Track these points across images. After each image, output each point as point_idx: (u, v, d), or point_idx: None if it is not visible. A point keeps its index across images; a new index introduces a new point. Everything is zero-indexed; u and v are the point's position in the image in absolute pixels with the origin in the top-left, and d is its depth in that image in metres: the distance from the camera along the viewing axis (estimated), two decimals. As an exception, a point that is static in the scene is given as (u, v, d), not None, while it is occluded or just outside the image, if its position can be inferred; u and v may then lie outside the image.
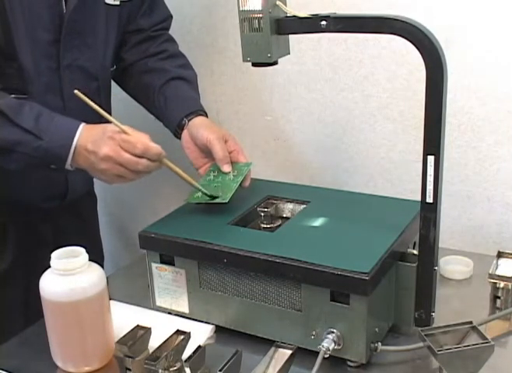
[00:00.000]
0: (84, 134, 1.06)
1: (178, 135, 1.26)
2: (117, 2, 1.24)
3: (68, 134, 1.06)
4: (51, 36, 1.14)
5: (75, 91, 1.06)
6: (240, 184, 1.16)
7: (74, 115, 1.21)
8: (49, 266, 0.96)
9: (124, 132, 1.05)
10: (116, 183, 1.10)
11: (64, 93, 1.18)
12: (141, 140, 1.04)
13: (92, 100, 1.23)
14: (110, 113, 1.33)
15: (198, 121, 1.24)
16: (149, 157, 1.05)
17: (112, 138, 1.04)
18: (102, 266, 1.49)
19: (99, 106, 1.08)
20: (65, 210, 1.35)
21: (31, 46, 1.11)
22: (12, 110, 1.05)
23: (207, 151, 1.20)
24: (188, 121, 1.25)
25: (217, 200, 1.12)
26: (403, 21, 0.88)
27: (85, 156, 1.06)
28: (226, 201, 1.11)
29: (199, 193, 1.15)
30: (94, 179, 1.47)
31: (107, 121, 1.18)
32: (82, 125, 1.07)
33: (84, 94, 1.07)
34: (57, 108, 1.18)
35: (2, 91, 1.10)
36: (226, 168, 1.17)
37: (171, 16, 1.40)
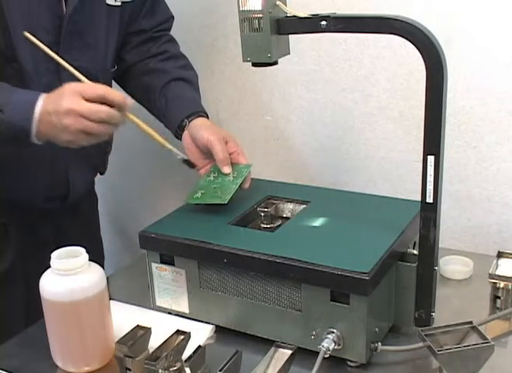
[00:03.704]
0: (45, 102, 1.02)
1: (179, 136, 1.26)
2: (119, 3, 1.24)
3: (29, 106, 1.02)
4: (51, 37, 1.13)
5: (25, 33, 1.04)
6: (240, 186, 1.16)
7: None
8: (49, 266, 0.96)
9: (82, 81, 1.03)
10: (84, 143, 1.04)
11: None
12: (100, 85, 1.02)
13: None
14: None
15: (198, 122, 1.24)
16: (110, 102, 1.01)
17: (71, 92, 1.01)
18: (102, 266, 1.49)
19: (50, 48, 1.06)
20: (66, 210, 1.35)
21: (31, 47, 1.11)
22: None
23: (207, 152, 1.21)
24: (189, 122, 1.25)
25: (216, 201, 1.12)
26: (403, 21, 0.88)
27: (47, 121, 1.01)
28: (225, 202, 1.11)
29: (198, 194, 1.15)
30: (95, 179, 1.47)
31: None
32: (44, 95, 1.04)
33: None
34: None
35: None
36: (226, 169, 1.17)
37: (172, 17, 1.40)
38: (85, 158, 1.30)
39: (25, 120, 1.01)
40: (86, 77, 1.20)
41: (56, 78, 1.16)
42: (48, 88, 1.15)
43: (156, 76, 1.33)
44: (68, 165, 1.26)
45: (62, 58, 1.09)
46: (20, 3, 1.08)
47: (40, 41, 1.12)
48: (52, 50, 1.08)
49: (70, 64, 1.09)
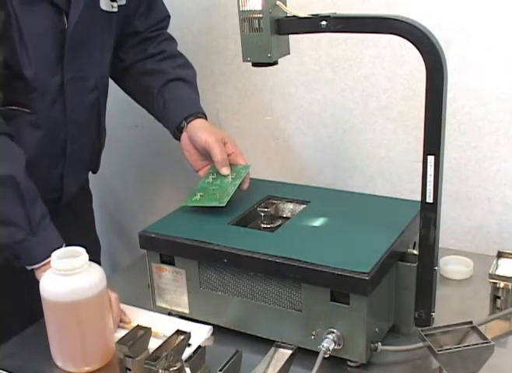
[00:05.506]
0: None
1: (177, 137, 1.26)
2: (115, 9, 1.22)
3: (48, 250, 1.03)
4: (56, 52, 1.13)
5: None
6: (239, 187, 1.16)
7: (75, 127, 1.21)
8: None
9: None
10: None
11: (66, 106, 1.18)
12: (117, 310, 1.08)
13: (90, 108, 1.23)
14: (103, 115, 1.33)
15: (196, 124, 1.24)
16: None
17: None
18: (99, 259, 1.48)
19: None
20: (59, 208, 1.34)
21: (37, 64, 1.10)
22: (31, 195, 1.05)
23: (206, 154, 1.20)
24: (187, 124, 1.24)
25: (214, 204, 1.12)
26: (403, 21, 0.88)
27: None
28: (223, 205, 1.11)
29: (197, 196, 1.15)
30: (94, 179, 1.47)
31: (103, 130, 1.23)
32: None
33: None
34: (59, 121, 1.18)
35: (9, 105, 1.12)
36: (225, 170, 1.17)
37: (169, 16, 1.38)
38: (80, 160, 1.30)
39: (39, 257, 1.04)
40: (87, 87, 1.20)
41: (61, 92, 1.16)
42: (53, 102, 1.15)
43: (154, 77, 1.32)
44: (63, 170, 1.25)
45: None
46: (29, 22, 1.07)
47: (49, 59, 1.12)
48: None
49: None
